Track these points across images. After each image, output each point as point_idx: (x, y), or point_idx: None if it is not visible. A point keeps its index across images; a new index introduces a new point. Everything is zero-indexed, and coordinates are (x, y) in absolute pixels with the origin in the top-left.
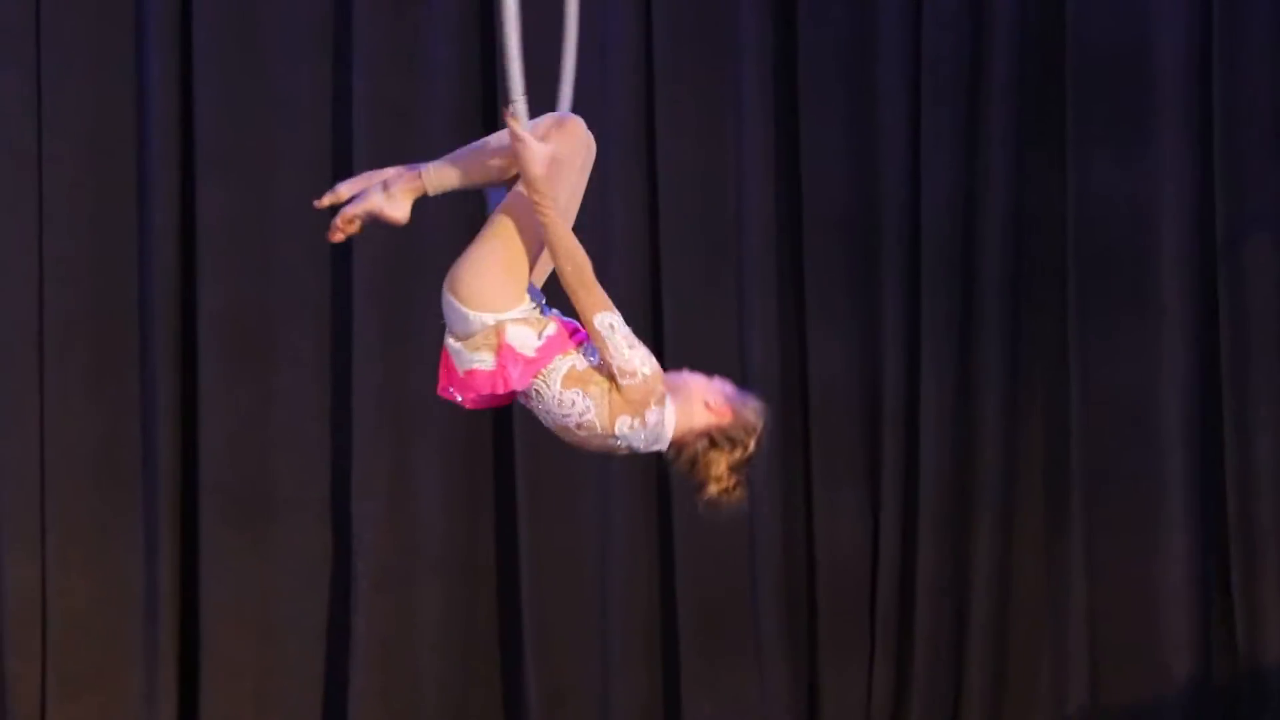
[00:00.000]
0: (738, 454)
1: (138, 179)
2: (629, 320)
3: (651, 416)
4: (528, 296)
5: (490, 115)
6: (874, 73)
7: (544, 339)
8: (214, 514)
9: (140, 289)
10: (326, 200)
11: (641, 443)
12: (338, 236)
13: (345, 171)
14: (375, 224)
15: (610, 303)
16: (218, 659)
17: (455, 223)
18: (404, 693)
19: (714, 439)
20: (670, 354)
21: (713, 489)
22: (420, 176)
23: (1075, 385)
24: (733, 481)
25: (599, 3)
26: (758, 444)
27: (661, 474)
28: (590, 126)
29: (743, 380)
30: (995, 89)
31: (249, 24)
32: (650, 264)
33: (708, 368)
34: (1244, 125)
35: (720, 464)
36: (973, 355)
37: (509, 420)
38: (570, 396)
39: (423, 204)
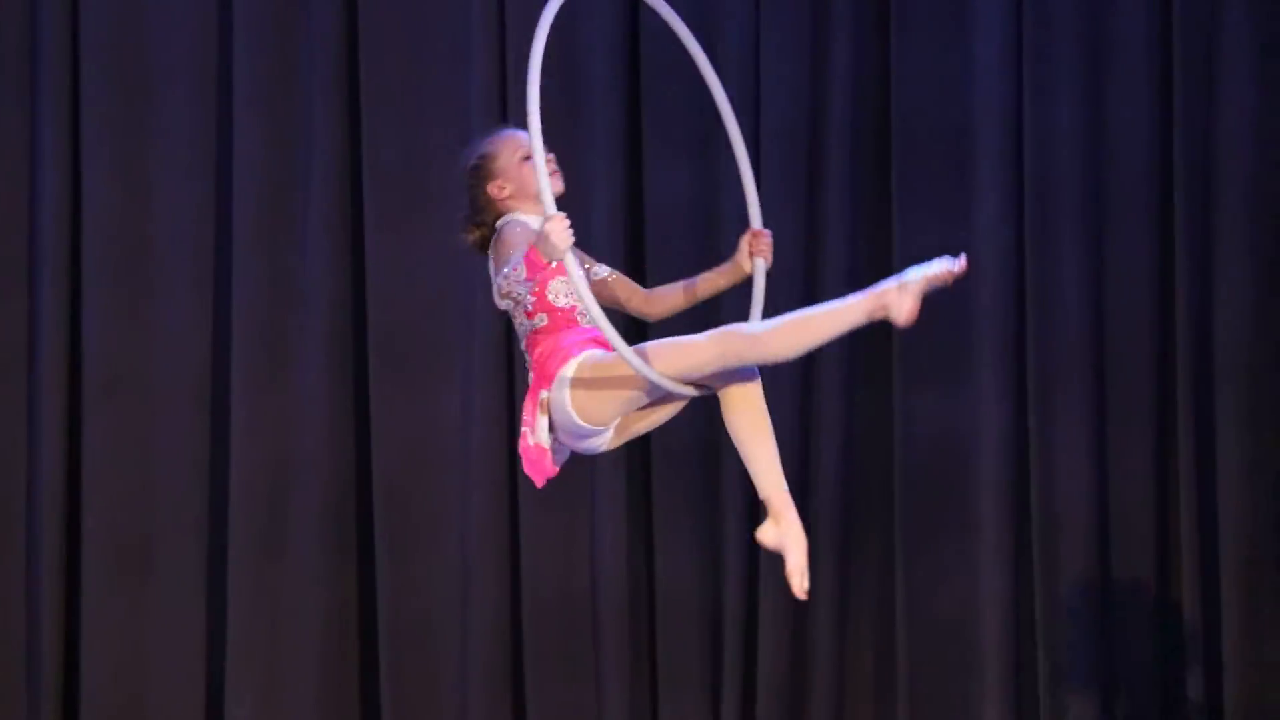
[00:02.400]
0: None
1: (28, 405)
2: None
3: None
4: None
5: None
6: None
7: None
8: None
9: (27, 508)
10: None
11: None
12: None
13: (223, 389)
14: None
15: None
16: None
17: (325, 442)
18: None
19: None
20: (525, 563)
21: None
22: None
23: (900, 601)
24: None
25: None
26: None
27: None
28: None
29: (592, 594)
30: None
31: (135, 258)
32: (509, 472)
33: (558, 573)
34: (1052, 363)
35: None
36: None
37: (374, 625)
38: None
39: (287, 426)
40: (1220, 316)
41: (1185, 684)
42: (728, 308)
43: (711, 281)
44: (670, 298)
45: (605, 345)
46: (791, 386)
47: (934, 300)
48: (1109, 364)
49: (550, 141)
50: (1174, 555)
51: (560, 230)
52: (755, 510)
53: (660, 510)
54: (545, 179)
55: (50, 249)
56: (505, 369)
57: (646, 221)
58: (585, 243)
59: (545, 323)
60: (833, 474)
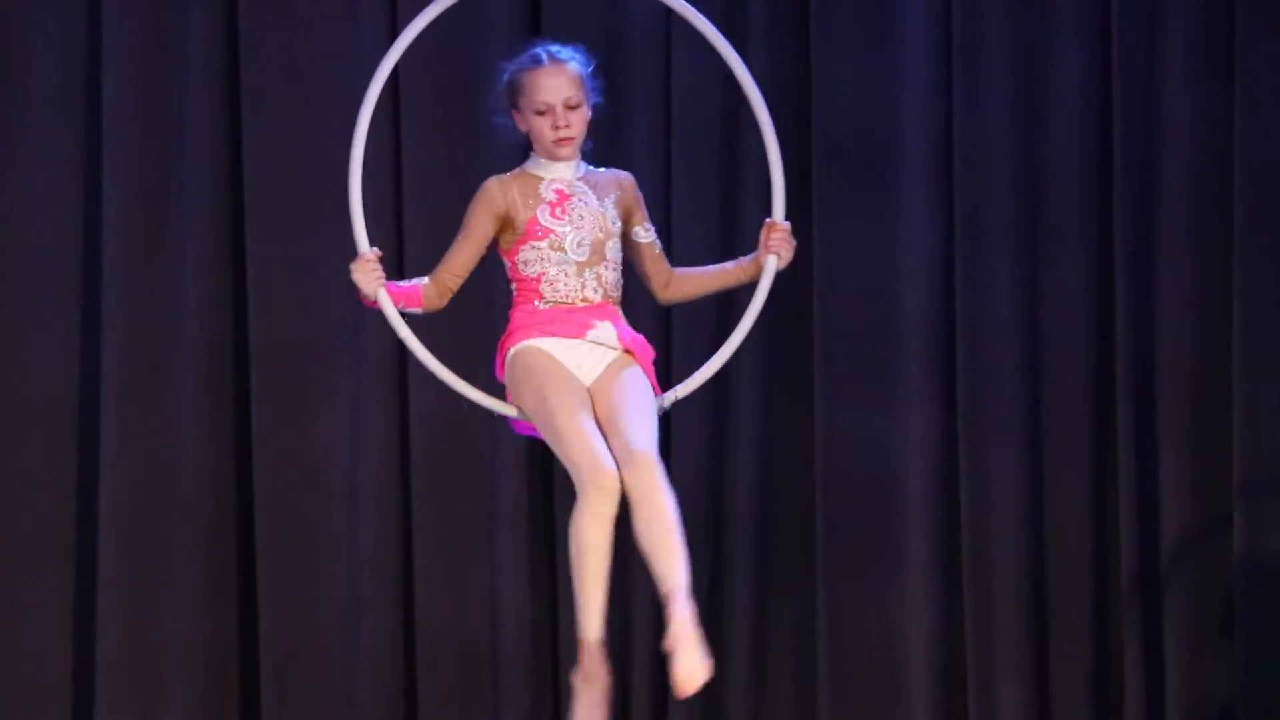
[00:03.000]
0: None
1: None
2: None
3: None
4: None
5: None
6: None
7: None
8: None
9: None
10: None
11: None
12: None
13: (92, 412)
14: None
15: None
16: None
17: (202, 470)
18: None
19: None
20: (420, 601)
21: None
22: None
23: (822, 635)
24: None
25: None
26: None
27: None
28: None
29: (494, 630)
30: (743, 345)
31: None
32: (401, 504)
33: (454, 612)
34: (984, 380)
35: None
36: (721, 607)
37: (255, 666)
38: None
39: (161, 452)
40: (1162, 328)
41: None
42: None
43: (732, 275)
44: (685, 287)
45: (560, 328)
46: (704, 402)
47: (857, 312)
48: (1044, 380)
49: (447, 149)
50: (1114, 582)
51: (362, 276)
52: None
53: (565, 545)
54: (359, 219)
55: None
56: (397, 392)
57: None
58: (482, 260)
59: (515, 292)
60: (748, 497)
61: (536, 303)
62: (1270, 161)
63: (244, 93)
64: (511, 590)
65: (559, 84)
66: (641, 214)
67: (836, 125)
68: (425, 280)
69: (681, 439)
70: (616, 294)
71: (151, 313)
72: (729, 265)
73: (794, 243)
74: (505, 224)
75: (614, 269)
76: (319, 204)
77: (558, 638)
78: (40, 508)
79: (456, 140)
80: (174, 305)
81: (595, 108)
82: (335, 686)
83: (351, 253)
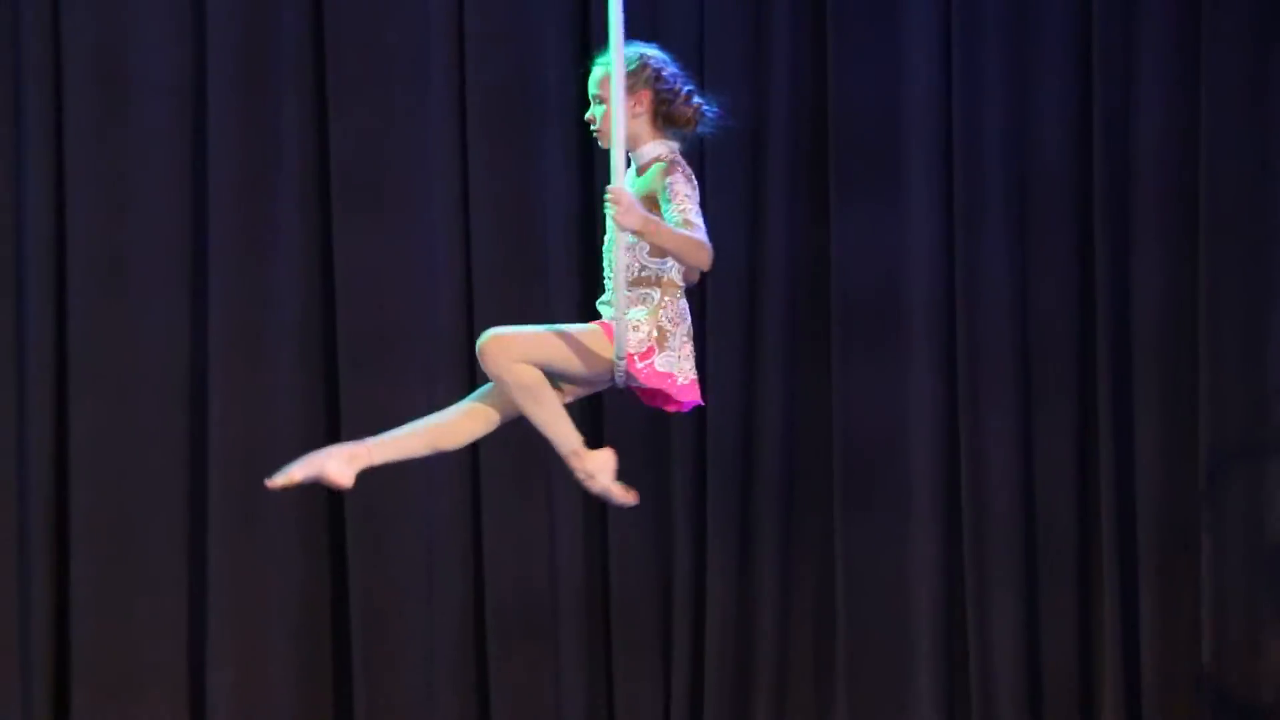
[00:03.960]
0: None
1: (18, 402)
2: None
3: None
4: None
5: (330, 349)
6: None
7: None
8: (84, 691)
9: (19, 492)
10: (279, 482)
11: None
12: (277, 483)
13: (200, 384)
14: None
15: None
16: None
17: (296, 434)
18: None
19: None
20: (488, 549)
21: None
22: (367, 450)
23: (840, 569)
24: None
25: None
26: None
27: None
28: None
29: (551, 579)
30: (770, 319)
31: (116, 261)
32: (471, 467)
33: (518, 558)
34: (981, 349)
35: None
36: (752, 549)
37: (346, 606)
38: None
39: (261, 419)
40: (1137, 306)
41: (1104, 647)
42: None
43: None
44: None
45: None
46: (736, 371)
47: (870, 292)
48: (1034, 352)
49: (507, 144)
50: (1094, 527)
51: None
52: (704, 507)
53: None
54: (624, 285)
55: (37, 255)
56: (467, 365)
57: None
58: (538, 244)
59: None
60: (776, 454)
61: None
62: (1232, 153)
63: (330, 95)
64: (568, 541)
65: (591, 84)
66: (666, 198)
67: (852, 126)
68: None
69: (717, 404)
70: (624, 276)
71: (251, 294)
72: None
73: (625, 203)
74: None
75: (626, 254)
76: (398, 195)
77: (609, 583)
78: (156, 466)
79: (518, 139)
80: (270, 288)
81: (646, 97)
82: (416, 625)
83: (423, 241)
